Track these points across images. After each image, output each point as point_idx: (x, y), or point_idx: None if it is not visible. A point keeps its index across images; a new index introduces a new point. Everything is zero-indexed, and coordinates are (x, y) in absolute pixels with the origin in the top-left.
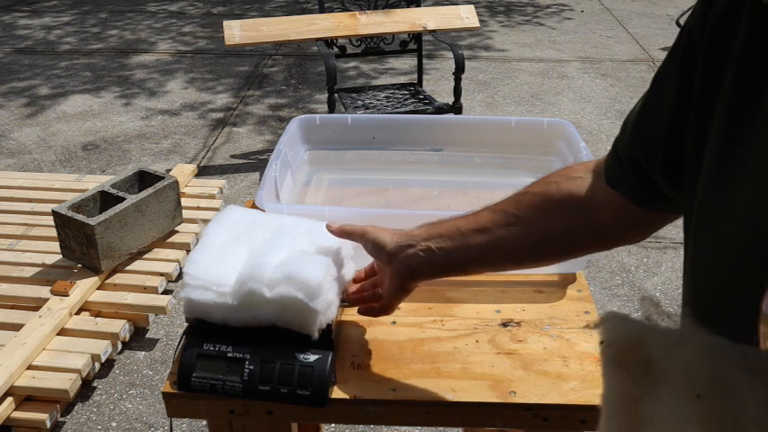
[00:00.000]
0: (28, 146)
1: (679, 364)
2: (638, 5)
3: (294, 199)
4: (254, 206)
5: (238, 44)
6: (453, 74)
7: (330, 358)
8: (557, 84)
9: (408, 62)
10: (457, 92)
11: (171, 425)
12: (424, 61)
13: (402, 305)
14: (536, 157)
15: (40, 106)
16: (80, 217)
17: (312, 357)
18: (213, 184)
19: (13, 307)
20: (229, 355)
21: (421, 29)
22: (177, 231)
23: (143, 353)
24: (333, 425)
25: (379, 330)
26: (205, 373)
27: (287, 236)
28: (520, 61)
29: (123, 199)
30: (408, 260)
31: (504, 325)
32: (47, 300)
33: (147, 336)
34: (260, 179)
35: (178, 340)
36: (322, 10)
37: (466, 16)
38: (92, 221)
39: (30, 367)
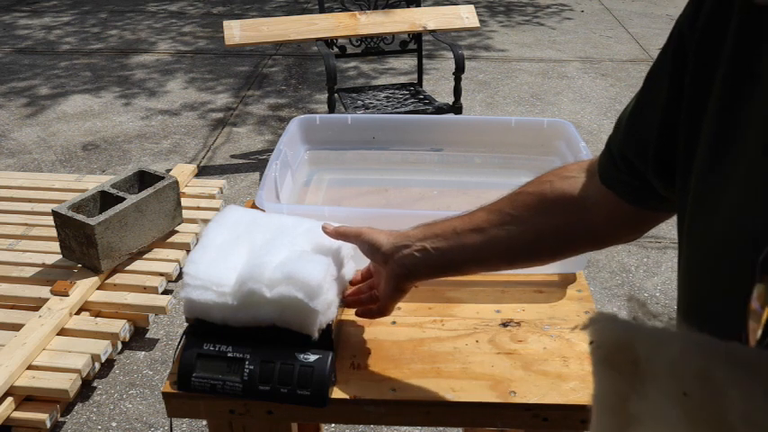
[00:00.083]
0: (28, 146)
1: (666, 362)
2: (638, 5)
3: (294, 199)
4: (254, 206)
5: (238, 44)
6: (453, 74)
7: (330, 358)
8: (557, 84)
9: (408, 62)
10: (457, 92)
11: (171, 425)
12: (424, 61)
13: (402, 305)
14: (536, 157)
15: (40, 106)
16: (80, 217)
17: (312, 357)
18: (213, 184)
19: (13, 307)
20: (229, 355)
21: (421, 29)
22: (177, 231)
23: (143, 353)
24: (333, 425)
25: (379, 330)
26: (205, 373)
27: (287, 236)
28: (520, 61)
29: (123, 199)
30: (404, 260)
31: (504, 325)
32: (47, 300)
33: (147, 336)
34: (260, 179)
35: (178, 340)
36: (322, 10)
37: (466, 16)
38: (92, 221)
39: (30, 367)
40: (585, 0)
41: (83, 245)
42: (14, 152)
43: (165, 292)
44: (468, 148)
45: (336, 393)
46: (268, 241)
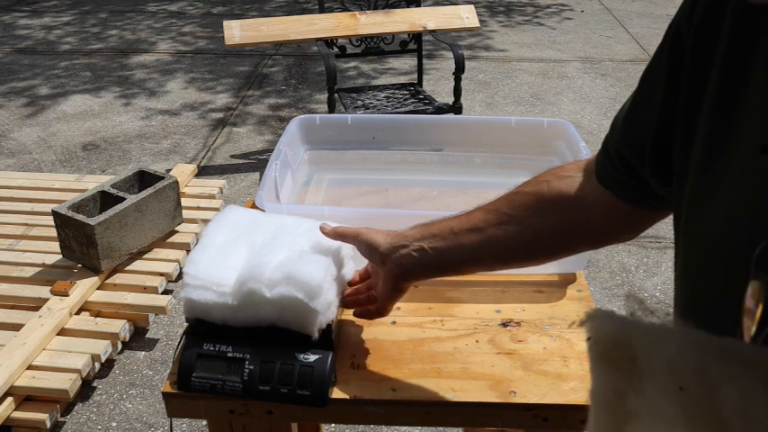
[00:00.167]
0: (28, 146)
1: (663, 358)
2: (638, 5)
3: (294, 199)
4: (254, 206)
5: (238, 44)
6: (453, 74)
7: (330, 358)
8: (557, 84)
9: (408, 62)
10: (457, 92)
11: (171, 425)
12: (424, 61)
13: (402, 305)
14: (536, 157)
15: (40, 106)
16: (80, 217)
17: (312, 357)
18: (213, 184)
19: (13, 307)
20: (229, 355)
21: (421, 29)
22: (177, 231)
23: (143, 353)
24: (333, 425)
25: (379, 330)
26: (205, 373)
27: (287, 236)
28: (520, 61)
29: (123, 199)
30: (401, 260)
31: (504, 325)
32: (47, 300)
33: (147, 336)
34: (260, 179)
35: (178, 340)
36: (322, 10)
37: (466, 16)
38: (92, 221)
39: (30, 367)
40: (585, 0)
41: (83, 245)
42: (14, 152)
43: (165, 292)
44: (468, 148)
45: (336, 393)
46: (268, 241)
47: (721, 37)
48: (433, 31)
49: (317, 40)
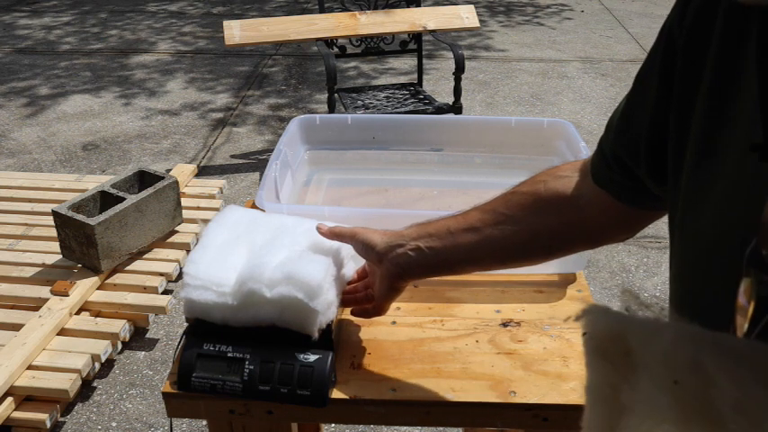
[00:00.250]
0: (28, 146)
1: (657, 352)
2: (638, 5)
3: (294, 199)
4: (254, 206)
5: (238, 44)
6: (453, 74)
7: (330, 358)
8: (557, 84)
9: (408, 62)
10: (457, 92)
11: (171, 425)
12: (424, 61)
13: (402, 305)
14: (536, 157)
15: (40, 106)
16: (80, 217)
17: (312, 357)
18: (213, 184)
19: (13, 307)
20: (229, 355)
21: (421, 29)
22: (177, 231)
23: (143, 353)
24: (333, 425)
25: (379, 330)
26: (205, 373)
27: (287, 236)
28: (520, 61)
29: (123, 199)
30: (398, 260)
31: (504, 325)
32: (47, 300)
33: (147, 336)
34: (260, 179)
35: (178, 340)
36: (322, 10)
37: (466, 16)
38: (92, 221)
39: (30, 367)
40: (585, 0)
41: (83, 245)
42: (14, 152)
43: (165, 292)
44: (468, 148)
45: (336, 393)
46: (268, 241)
47: (713, 38)
48: (433, 31)
49: (317, 40)
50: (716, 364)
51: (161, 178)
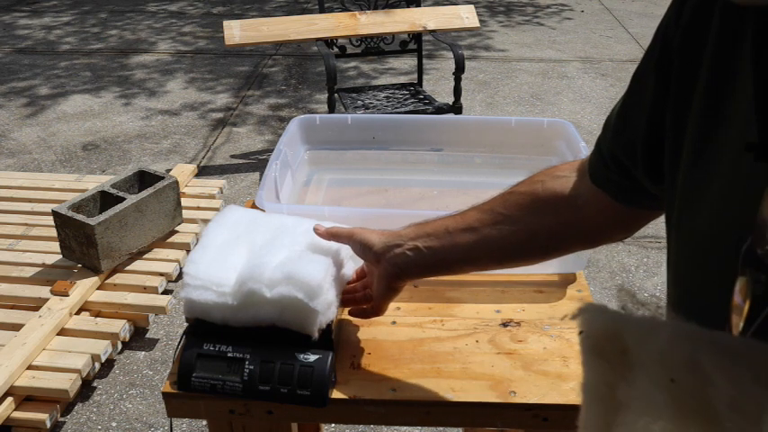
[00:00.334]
0: (28, 146)
1: (654, 350)
2: (638, 5)
3: (294, 199)
4: (254, 206)
5: (238, 44)
6: (453, 74)
7: (330, 358)
8: (557, 84)
9: (408, 62)
10: (457, 92)
11: (171, 425)
12: (424, 61)
13: (402, 305)
14: (536, 157)
15: (40, 106)
16: (80, 217)
17: (312, 357)
18: (213, 184)
19: (13, 307)
20: (229, 355)
21: (421, 29)
22: (177, 231)
23: (143, 353)
24: (333, 425)
25: (379, 330)
26: (205, 373)
27: (287, 236)
28: (520, 61)
29: (123, 199)
30: (396, 259)
31: (504, 325)
32: (47, 300)
33: (147, 336)
34: (260, 179)
35: (178, 340)
36: (322, 10)
37: (466, 16)
38: (92, 221)
39: (30, 367)
40: (585, 0)
41: (83, 245)
42: (14, 152)
43: (165, 292)
44: (468, 148)
45: (336, 393)
46: (268, 241)
47: (709, 37)
48: (433, 31)
49: (317, 40)
50: (712, 362)
51: (161, 178)
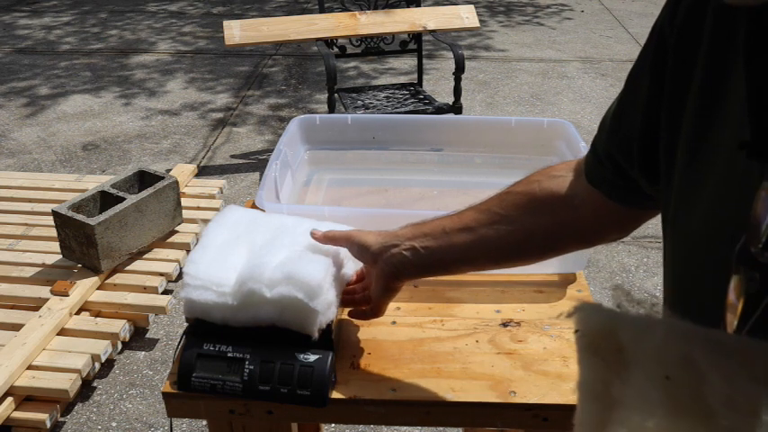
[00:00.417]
0: (28, 146)
1: (649, 348)
2: (638, 5)
3: (294, 199)
4: (254, 206)
5: (238, 44)
6: (453, 74)
7: (330, 358)
8: (557, 84)
9: (408, 62)
10: (457, 92)
11: (171, 425)
12: (424, 61)
13: (402, 305)
14: (536, 157)
15: (40, 106)
16: (80, 217)
17: (312, 357)
18: (213, 184)
19: (13, 307)
20: (229, 355)
21: (421, 29)
22: (177, 231)
23: (143, 353)
24: (333, 425)
25: (379, 330)
26: (205, 373)
27: (287, 236)
28: (520, 61)
29: (123, 199)
30: (392, 260)
31: (504, 325)
32: (47, 300)
33: (147, 336)
34: (260, 179)
35: (178, 340)
36: (322, 10)
37: (466, 16)
38: (92, 221)
39: (30, 367)
40: (585, 0)
41: (83, 245)
42: (14, 152)
43: (165, 292)
44: (468, 148)
45: (336, 393)
46: (268, 241)
47: (703, 37)
48: (433, 31)
49: (317, 40)
50: (707, 359)
51: (161, 178)
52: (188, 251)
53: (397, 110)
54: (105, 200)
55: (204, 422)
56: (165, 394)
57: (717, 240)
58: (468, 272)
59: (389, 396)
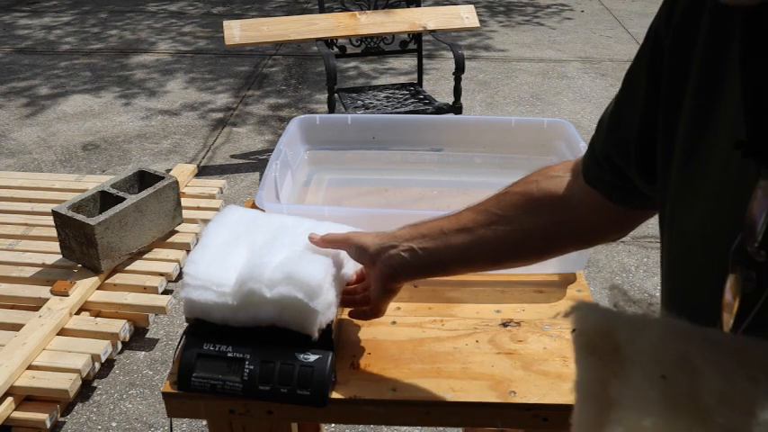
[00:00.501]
0: (28, 146)
1: (645, 347)
2: (638, 5)
3: (294, 199)
4: (254, 206)
5: (238, 44)
6: (453, 74)
7: (330, 358)
8: (557, 84)
9: (408, 62)
10: (457, 92)
11: (171, 425)
12: (424, 61)
13: (402, 305)
14: (536, 157)
15: (40, 106)
16: (80, 217)
17: (312, 357)
18: (213, 184)
19: (13, 307)
20: (229, 355)
21: (421, 29)
22: (177, 231)
23: (143, 353)
24: (333, 425)
25: (379, 330)
26: (205, 373)
27: (287, 236)
28: (520, 61)
29: (123, 199)
30: (390, 261)
31: (504, 325)
32: (47, 300)
33: (147, 336)
34: (260, 179)
35: (178, 340)
36: (322, 10)
37: (466, 16)
38: (92, 221)
39: (30, 367)
40: (585, 0)
41: (83, 245)
42: (14, 152)
43: (165, 292)
44: (468, 148)
45: (336, 393)
46: (268, 241)
47: (699, 37)
48: (433, 31)
49: (317, 40)
50: (704, 359)
51: (161, 178)
52: (188, 251)
53: (397, 110)
54: (105, 200)
55: (204, 422)
56: (165, 394)
57: (713, 240)
58: (467, 273)
59: (389, 396)
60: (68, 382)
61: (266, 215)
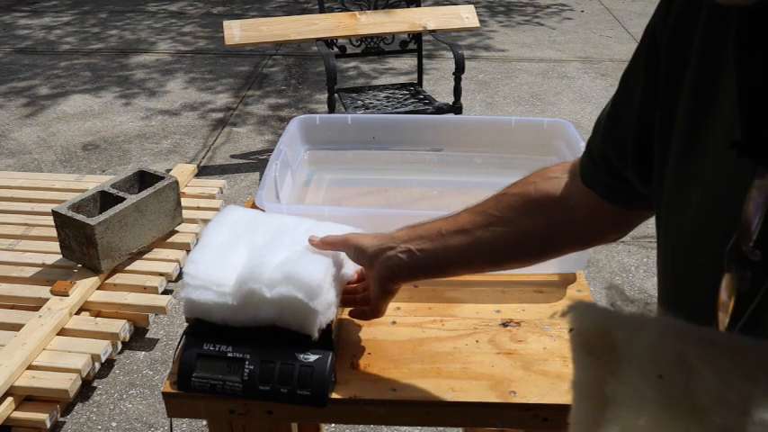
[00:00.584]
0: (28, 146)
1: (642, 346)
2: (638, 5)
3: (294, 199)
4: (254, 206)
5: (238, 44)
6: (453, 74)
7: (330, 358)
8: (557, 84)
9: (408, 62)
10: (457, 92)
11: (171, 425)
12: (424, 61)
13: (402, 305)
14: (536, 157)
15: (40, 106)
16: (80, 217)
17: (312, 357)
18: (213, 184)
19: (13, 307)
20: (229, 355)
21: (421, 29)
22: (177, 231)
23: (143, 353)
24: (333, 425)
25: (379, 330)
26: (205, 373)
27: (287, 236)
28: (520, 61)
29: (123, 199)
30: (388, 262)
31: (504, 325)
32: (47, 300)
33: (147, 336)
34: (260, 179)
35: (178, 340)
36: (322, 10)
37: (466, 16)
38: (92, 221)
39: (30, 367)
40: (585, 0)
41: (83, 245)
42: (14, 152)
43: (165, 292)
44: (468, 148)
45: (336, 393)
46: (268, 241)
47: (696, 36)
48: (433, 31)
49: (317, 40)
50: (700, 357)
51: (161, 178)
52: (188, 251)
53: (397, 110)
54: (105, 200)
55: (204, 422)
56: (165, 394)
57: (708, 239)
58: (465, 274)
59: (389, 396)
60: (68, 382)
61: (266, 215)
